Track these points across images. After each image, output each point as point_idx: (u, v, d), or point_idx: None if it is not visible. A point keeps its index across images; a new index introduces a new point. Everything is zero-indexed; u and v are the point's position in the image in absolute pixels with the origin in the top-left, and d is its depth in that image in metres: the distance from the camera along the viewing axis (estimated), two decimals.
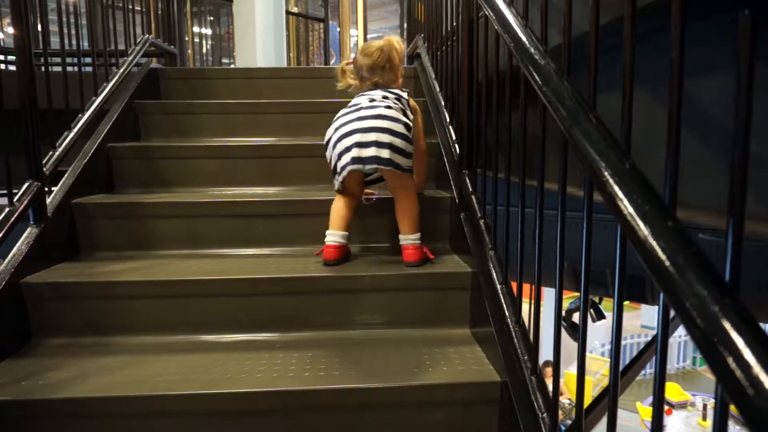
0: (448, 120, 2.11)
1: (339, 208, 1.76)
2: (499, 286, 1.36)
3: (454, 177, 1.91)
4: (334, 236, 1.73)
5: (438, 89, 2.31)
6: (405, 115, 1.73)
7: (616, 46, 1.02)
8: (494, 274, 1.41)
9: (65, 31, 2.01)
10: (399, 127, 1.67)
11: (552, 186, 1.09)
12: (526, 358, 1.15)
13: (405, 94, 1.81)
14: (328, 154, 1.75)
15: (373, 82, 1.81)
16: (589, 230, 0.85)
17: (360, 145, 1.65)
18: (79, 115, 2.00)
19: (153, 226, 1.89)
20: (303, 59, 7.23)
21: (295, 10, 6.48)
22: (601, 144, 0.69)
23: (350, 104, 1.76)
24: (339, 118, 1.74)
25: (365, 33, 8.91)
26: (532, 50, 0.95)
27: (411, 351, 1.46)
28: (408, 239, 1.73)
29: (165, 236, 1.89)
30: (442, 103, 2.21)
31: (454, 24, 1.93)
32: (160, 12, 3.00)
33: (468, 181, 1.74)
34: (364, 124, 1.66)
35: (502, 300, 1.32)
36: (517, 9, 1.21)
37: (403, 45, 1.91)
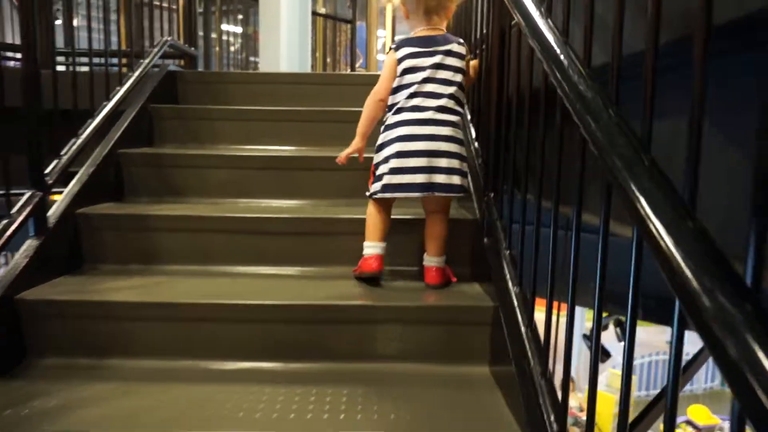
0: (474, 135, 1.98)
1: (376, 216, 1.63)
2: (523, 329, 1.24)
3: (478, 199, 1.79)
4: (374, 248, 1.61)
5: (464, 100, 2.18)
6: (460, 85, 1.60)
7: (668, 69, 0.88)
8: (519, 314, 1.28)
9: (77, 29, 1.93)
10: (462, 149, 1.60)
11: (591, 219, 0.96)
12: (552, 418, 1.02)
13: (464, 50, 1.63)
14: (379, 153, 1.61)
15: (431, 5, 1.56)
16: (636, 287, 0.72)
17: (430, 170, 1.54)
18: (89, 120, 1.92)
19: (161, 239, 1.80)
20: (329, 60, 7.16)
21: (322, 11, 6.40)
22: (660, 202, 0.56)
23: (407, 68, 1.57)
24: (400, 111, 1.57)
25: (393, 34, 8.79)
26: (576, 78, 0.82)
27: (424, 394, 1.34)
28: (433, 260, 1.63)
29: (173, 251, 1.80)
30: (468, 116, 2.08)
31: (485, 31, 1.80)
32: (181, 12, 2.92)
33: (493, 206, 1.61)
34: (432, 146, 1.54)
35: (527, 345, 1.19)
36: (555, 23, 1.08)
37: None
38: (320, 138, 2.31)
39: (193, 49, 2.99)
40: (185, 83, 2.62)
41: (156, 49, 2.52)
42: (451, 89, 1.58)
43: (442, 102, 1.57)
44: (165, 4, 2.86)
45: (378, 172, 1.61)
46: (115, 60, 2.35)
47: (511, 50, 1.50)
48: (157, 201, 2.01)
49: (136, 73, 2.28)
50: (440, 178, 1.56)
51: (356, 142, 1.67)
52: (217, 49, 6.66)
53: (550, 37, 1.03)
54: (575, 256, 0.94)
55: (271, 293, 1.57)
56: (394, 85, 1.58)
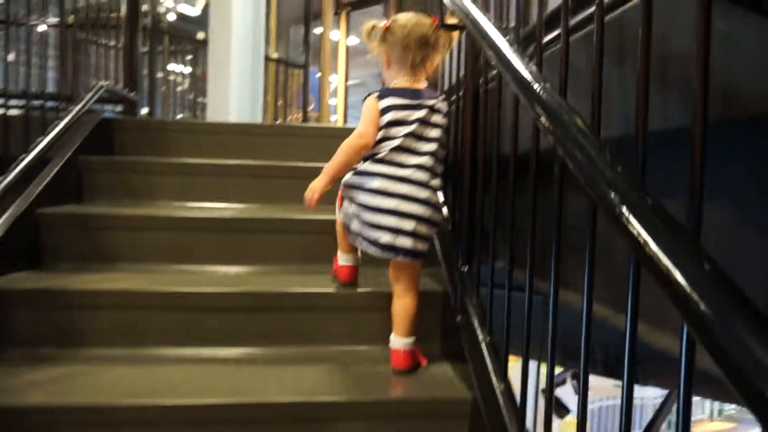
0: (442, 199, 1.83)
1: (344, 231, 1.58)
2: None
3: (448, 268, 1.62)
4: (346, 260, 1.63)
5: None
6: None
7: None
8: (506, 416, 1.11)
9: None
10: (436, 213, 1.47)
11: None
12: None
13: (446, 107, 1.51)
14: (349, 190, 1.49)
15: (417, 61, 1.44)
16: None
17: (397, 231, 1.40)
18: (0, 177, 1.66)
19: (83, 318, 1.53)
20: (281, 103, 7.02)
21: (275, 55, 6.29)
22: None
23: (389, 121, 1.43)
24: (380, 162, 1.42)
25: (346, 79, 8.76)
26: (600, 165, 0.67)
27: None
28: (400, 342, 1.44)
29: (98, 331, 1.53)
30: None
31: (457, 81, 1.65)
32: (122, 54, 2.69)
33: (467, 282, 1.44)
34: (405, 207, 1.39)
35: None
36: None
37: None
38: (271, 196, 2.11)
39: (134, 94, 2.74)
40: (123, 132, 2.38)
41: (90, 95, 2.28)
42: (434, 146, 1.45)
43: (423, 160, 1.43)
44: (110, 41, 2.64)
45: (345, 207, 1.53)
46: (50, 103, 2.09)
47: (489, 104, 1.37)
48: (81, 269, 1.74)
49: (64, 122, 2.03)
50: (407, 243, 1.40)
51: (324, 184, 1.48)
52: (164, 88, 6.43)
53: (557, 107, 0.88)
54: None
55: (212, 386, 1.34)
56: (378, 136, 1.45)
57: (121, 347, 1.51)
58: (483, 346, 1.27)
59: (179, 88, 6.68)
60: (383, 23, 1.48)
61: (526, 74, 0.96)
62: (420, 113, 1.43)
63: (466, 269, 1.47)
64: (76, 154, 2.08)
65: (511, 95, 1.12)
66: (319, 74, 7.84)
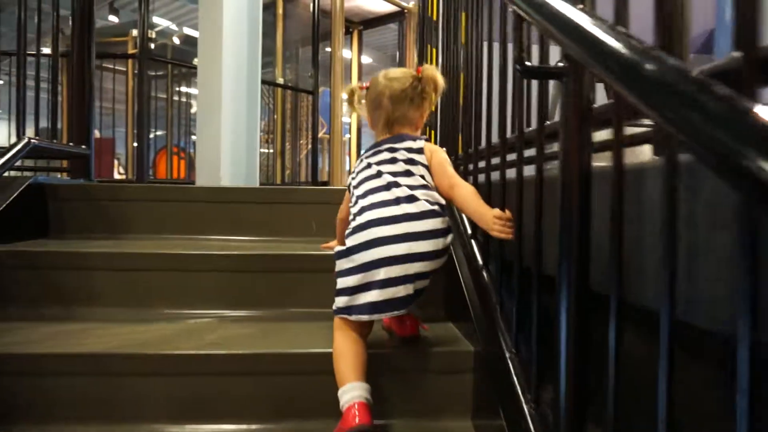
0: (470, 232, 1.23)
1: (349, 345, 1.13)
2: None
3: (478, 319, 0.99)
4: (357, 390, 1.06)
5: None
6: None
7: None
8: None
9: None
10: (436, 245, 1.15)
11: None
12: None
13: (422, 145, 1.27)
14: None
15: (392, 117, 1.30)
16: None
17: (386, 283, 1.11)
18: None
19: None
20: (289, 127, 6.48)
21: (280, 80, 5.74)
22: None
23: (357, 175, 1.27)
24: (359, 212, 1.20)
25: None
26: None
27: None
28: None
29: None
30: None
31: None
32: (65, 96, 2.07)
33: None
34: (390, 251, 1.12)
35: None
36: None
37: (445, 83, 1.36)
38: (253, 300, 1.47)
39: (84, 147, 2.09)
40: (60, 201, 1.76)
41: (11, 153, 1.65)
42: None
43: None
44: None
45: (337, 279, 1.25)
46: None
47: None
48: None
49: None
50: (392, 293, 1.13)
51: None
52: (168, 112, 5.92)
53: None
54: None
55: None
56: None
57: None
58: None
59: (193, 110, 6.16)
60: (364, 84, 1.38)
61: None
62: (380, 156, 1.25)
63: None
64: None
65: None
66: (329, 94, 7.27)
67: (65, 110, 2.40)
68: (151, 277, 1.47)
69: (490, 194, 1.21)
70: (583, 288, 0.69)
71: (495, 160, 1.21)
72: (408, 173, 1.20)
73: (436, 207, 1.16)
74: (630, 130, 0.69)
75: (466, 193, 1.17)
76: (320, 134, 7.12)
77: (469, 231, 1.34)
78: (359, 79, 8.19)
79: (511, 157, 1.05)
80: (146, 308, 1.45)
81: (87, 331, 1.31)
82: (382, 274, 1.11)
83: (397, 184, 1.18)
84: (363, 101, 1.36)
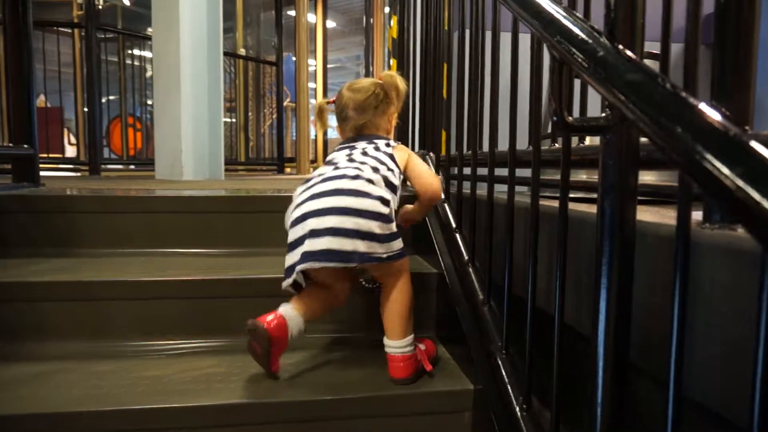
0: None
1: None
2: None
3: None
4: (283, 308, 1.18)
5: None
6: (388, 183, 1.24)
7: None
8: None
9: None
10: (374, 205, 1.17)
11: None
12: None
13: (391, 143, 1.36)
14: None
15: (358, 125, 1.37)
16: None
17: (314, 233, 1.15)
18: None
19: None
20: (252, 101, 6.20)
21: (241, 49, 5.44)
22: None
23: (326, 162, 1.35)
24: (301, 189, 1.27)
25: (325, 63, 7.91)
26: None
27: None
28: (395, 347, 1.20)
29: None
30: None
31: None
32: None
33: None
34: (319, 204, 1.17)
35: None
36: None
37: (406, 85, 1.41)
38: (222, 330, 1.35)
39: (26, 146, 1.87)
40: (1, 214, 1.58)
41: None
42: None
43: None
44: None
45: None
46: None
47: None
48: None
49: None
50: (321, 243, 1.14)
51: None
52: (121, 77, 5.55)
53: None
54: None
55: None
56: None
57: None
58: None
59: (149, 74, 5.74)
60: (330, 99, 1.45)
61: None
62: (346, 152, 1.31)
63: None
64: None
65: None
66: (294, 59, 6.97)
67: (4, 99, 2.15)
68: (105, 308, 1.33)
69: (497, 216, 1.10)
70: None
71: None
72: (374, 170, 1.23)
73: (386, 208, 1.17)
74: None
75: (430, 187, 1.30)
76: (285, 102, 6.85)
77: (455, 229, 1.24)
78: (324, 44, 7.89)
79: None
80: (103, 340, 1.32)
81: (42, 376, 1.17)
82: (325, 223, 1.13)
83: (358, 172, 1.20)
84: (332, 114, 1.42)
